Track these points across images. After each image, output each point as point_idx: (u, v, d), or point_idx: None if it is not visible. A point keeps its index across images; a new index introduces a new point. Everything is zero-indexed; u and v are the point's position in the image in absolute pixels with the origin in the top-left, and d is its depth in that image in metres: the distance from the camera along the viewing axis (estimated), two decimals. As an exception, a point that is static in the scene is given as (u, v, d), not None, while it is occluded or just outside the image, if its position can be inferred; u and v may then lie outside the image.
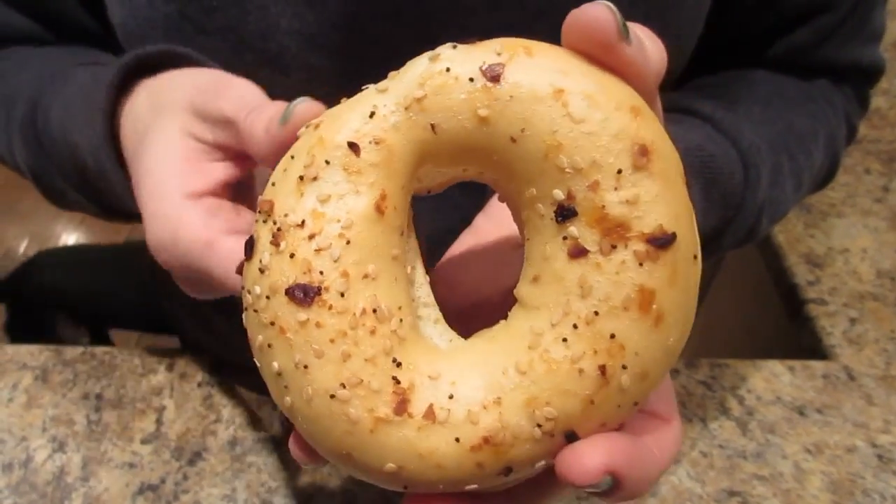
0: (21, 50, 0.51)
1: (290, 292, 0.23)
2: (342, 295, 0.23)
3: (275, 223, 0.24)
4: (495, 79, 0.23)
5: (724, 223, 0.46)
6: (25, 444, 0.58)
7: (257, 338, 0.24)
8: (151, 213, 0.33)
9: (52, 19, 0.51)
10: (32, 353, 0.64)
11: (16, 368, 0.63)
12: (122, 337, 1.92)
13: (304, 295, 0.23)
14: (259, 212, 0.25)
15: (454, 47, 0.24)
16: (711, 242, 0.47)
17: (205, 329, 0.72)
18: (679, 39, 0.47)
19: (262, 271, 0.24)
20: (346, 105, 0.25)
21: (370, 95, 0.24)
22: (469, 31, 0.42)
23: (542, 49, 0.23)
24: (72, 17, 0.51)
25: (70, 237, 2.17)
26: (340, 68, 0.44)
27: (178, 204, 0.33)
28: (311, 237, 0.23)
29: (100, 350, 0.65)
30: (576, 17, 0.23)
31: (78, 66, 0.46)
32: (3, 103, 0.48)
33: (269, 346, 0.24)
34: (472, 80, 0.23)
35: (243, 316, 0.25)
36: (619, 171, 0.22)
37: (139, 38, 0.45)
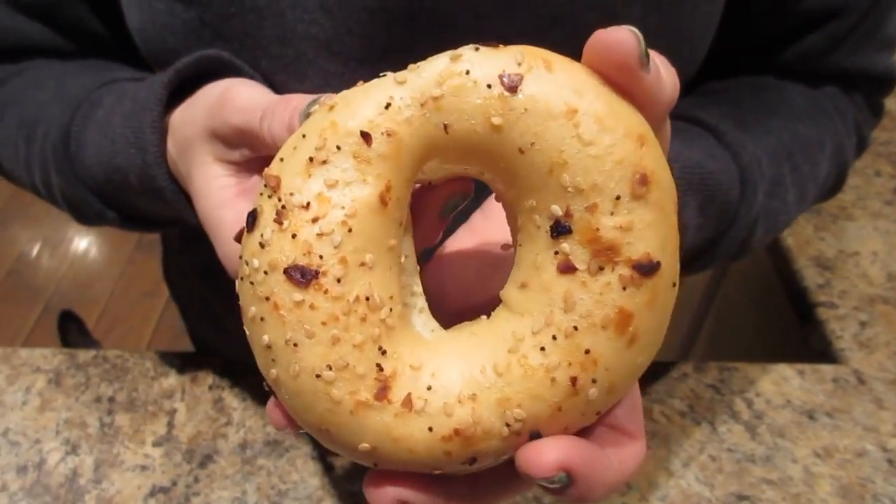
0: (33, 66, 0.51)
1: (288, 272, 0.24)
2: (339, 281, 0.24)
3: (280, 200, 0.24)
4: (513, 89, 0.23)
5: (718, 235, 0.47)
6: (39, 447, 0.59)
7: (250, 309, 0.25)
8: (224, 256, 0.35)
9: (65, 26, 0.51)
10: (45, 357, 0.65)
11: (29, 372, 0.64)
12: (133, 340, 1.94)
13: (301, 276, 0.24)
14: (265, 185, 0.25)
15: (476, 49, 0.24)
16: (705, 254, 0.48)
17: (216, 328, 0.73)
18: (691, 46, 0.47)
19: (262, 245, 0.24)
20: (362, 91, 0.25)
21: (387, 85, 0.25)
22: (484, 37, 0.42)
23: (561, 64, 0.24)
24: (83, 24, 0.51)
25: (82, 241, 2.18)
26: (356, 74, 0.44)
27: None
28: (315, 220, 0.24)
29: (112, 353, 0.66)
30: (600, 37, 0.23)
31: (101, 88, 0.46)
32: (21, 126, 0.49)
33: (262, 319, 0.24)
34: (489, 86, 0.23)
35: (237, 283, 0.26)
36: (618, 197, 0.23)
37: (158, 44, 0.45)
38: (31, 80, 0.50)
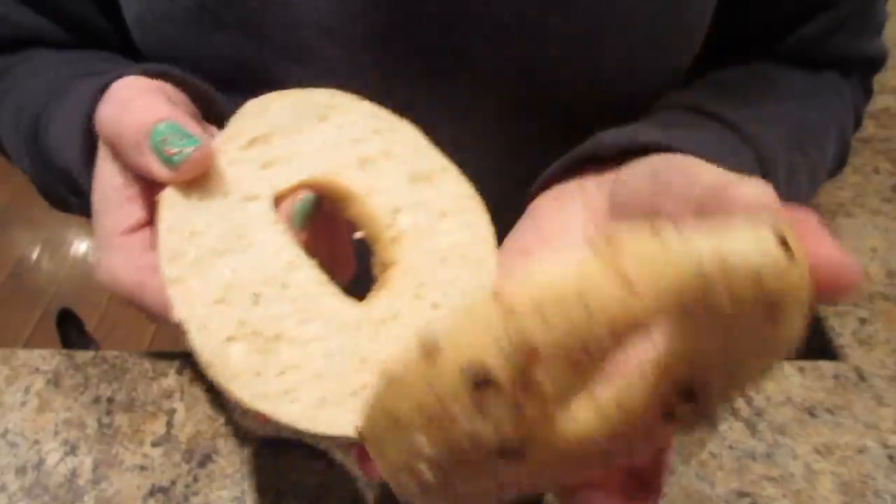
0: (37, 54, 0.51)
1: (502, 451, 0.21)
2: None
3: (526, 367, 0.19)
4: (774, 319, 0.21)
5: None
6: (38, 448, 0.58)
7: (414, 436, 0.21)
8: (97, 260, 0.33)
9: (67, 19, 0.51)
10: (44, 358, 0.65)
11: (28, 373, 0.64)
12: (133, 343, 1.94)
13: (512, 451, 0.21)
14: (511, 311, 0.19)
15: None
16: None
17: None
18: (688, 34, 0.47)
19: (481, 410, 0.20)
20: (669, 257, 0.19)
21: (684, 253, 0.19)
22: (485, 22, 0.42)
23: (802, 276, 0.21)
24: (86, 17, 0.51)
25: (81, 244, 2.18)
26: (355, 59, 0.44)
27: (113, 246, 0.32)
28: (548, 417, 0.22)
29: (111, 354, 0.66)
30: (837, 259, 0.22)
31: (82, 77, 0.45)
32: (15, 112, 0.49)
33: (421, 465, 0.22)
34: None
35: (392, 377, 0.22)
36: (732, 390, 0.24)
37: (156, 35, 0.45)
38: (31, 68, 0.50)
